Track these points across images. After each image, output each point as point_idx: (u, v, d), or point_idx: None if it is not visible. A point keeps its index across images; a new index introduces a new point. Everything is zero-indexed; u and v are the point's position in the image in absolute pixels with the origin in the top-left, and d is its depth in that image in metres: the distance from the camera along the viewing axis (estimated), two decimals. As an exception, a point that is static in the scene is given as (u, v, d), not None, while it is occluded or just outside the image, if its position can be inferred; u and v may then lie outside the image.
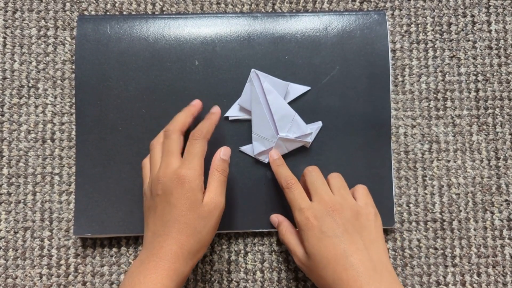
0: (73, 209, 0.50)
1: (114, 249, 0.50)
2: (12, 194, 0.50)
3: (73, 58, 0.52)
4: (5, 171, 0.51)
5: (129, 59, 0.50)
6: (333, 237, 0.40)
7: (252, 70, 0.49)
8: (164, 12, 0.54)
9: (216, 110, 0.46)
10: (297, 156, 0.50)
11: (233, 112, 0.50)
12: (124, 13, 0.54)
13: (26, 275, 0.49)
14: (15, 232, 0.50)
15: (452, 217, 0.51)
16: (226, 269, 0.50)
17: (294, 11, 0.54)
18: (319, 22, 0.51)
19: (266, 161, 0.49)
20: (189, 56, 0.50)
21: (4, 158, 0.51)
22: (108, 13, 0.54)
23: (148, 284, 0.38)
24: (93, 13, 0.53)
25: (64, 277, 0.50)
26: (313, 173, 0.45)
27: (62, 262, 0.50)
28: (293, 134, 0.48)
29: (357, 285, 0.38)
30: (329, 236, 0.40)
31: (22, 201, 0.50)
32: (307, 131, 0.49)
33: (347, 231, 0.41)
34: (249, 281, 0.50)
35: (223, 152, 0.44)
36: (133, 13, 0.54)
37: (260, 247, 0.51)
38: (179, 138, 0.43)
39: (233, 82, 0.50)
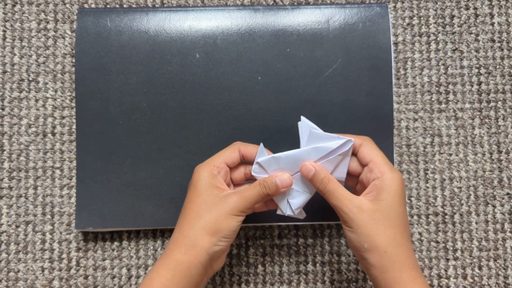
0: (75, 203, 0.50)
1: (116, 243, 0.50)
2: (13, 188, 0.50)
3: (73, 51, 0.52)
4: (6, 165, 0.51)
5: (129, 52, 0.50)
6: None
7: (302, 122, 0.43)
8: (165, 5, 0.53)
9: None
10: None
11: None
12: (125, 6, 0.53)
13: (28, 269, 0.49)
14: (17, 226, 0.50)
15: (453, 210, 0.51)
16: (228, 263, 0.50)
17: (295, 3, 0.54)
18: (321, 14, 0.51)
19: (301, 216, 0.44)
20: (190, 49, 0.50)
21: (5, 152, 0.51)
22: (108, 6, 0.53)
23: (149, 274, 0.38)
24: (93, 6, 0.53)
25: (66, 270, 0.50)
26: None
27: (64, 256, 0.50)
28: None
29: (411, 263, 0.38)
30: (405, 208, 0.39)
31: (24, 195, 0.50)
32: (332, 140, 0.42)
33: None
34: (251, 274, 0.50)
35: (280, 177, 0.40)
36: (134, 5, 0.53)
37: (262, 241, 0.51)
38: (230, 148, 0.42)
39: (234, 75, 0.50)
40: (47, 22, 0.53)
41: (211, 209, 0.39)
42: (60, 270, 0.50)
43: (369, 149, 0.40)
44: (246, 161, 0.43)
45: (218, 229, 0.38)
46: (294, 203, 0.42)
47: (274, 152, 0.42)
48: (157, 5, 0.53)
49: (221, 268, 0.50)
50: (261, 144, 0.42)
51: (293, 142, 0.48)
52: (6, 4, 0.53)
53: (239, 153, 0.42)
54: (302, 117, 0.42)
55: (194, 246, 0.38)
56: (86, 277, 0.50)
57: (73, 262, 0.50)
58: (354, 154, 0.42)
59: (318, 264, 0.50)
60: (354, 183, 0.43)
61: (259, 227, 0.51)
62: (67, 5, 0.53)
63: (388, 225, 0.37)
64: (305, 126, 0.42)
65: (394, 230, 0.37)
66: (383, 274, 0.37)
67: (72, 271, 0.50)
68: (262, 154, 0.41)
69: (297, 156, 0.41)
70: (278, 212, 0.42)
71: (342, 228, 0.51)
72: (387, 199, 0.38)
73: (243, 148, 0.42)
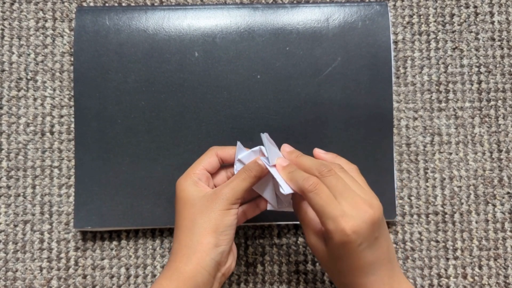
0: (73, 202, 0.50)
1: (115, 242, 0.50)
2: (11, 187, 0.50)
3: (72, 50, 0.52)
4: (4, 164, 0.50)
5: (128, 51, 0.49)
6: (366, 249, 0.36)
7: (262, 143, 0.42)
8: (164, 3, 0.53)
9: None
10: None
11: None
12: (123, 4, 0.53)
13: (26, 268, 0.49)
14: (15, 226, 0.50)
15: (453, 209, 0.51)
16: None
17: (295, 2, 0.53)
18: (320, 13, 0.51)
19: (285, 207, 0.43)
20: (188, 48, 0.50)
21: (3, 151, 0.51)
22: (107, 4, 0.53)
23: (153, 285, 0.37)
24: (91, 4, 0.53)
25: (64, 270, 0.49)
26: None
27: (62, 255, 0.50)
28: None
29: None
30: (362, 249, 0.36)
31: (22, 194, 0.50)
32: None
33: (377, 239, 0.36)
34: (250, 274, 0.50)
35: (262, 158, 0.40)
36: (132, 4, 0.53)
37: (261, 240, 0.50)
38: (208, 153, 0.42)
39: (233, 74, 0.49)
40: (46, 21, 0.52)
41: (203, 211, 0.38)
42: (58, 269, 0.49)
43: (311, 205, 0.37)
44: (226, 165, 0.43)
45: (214, 228, 0.37)
46: (282, 195, 0.41)
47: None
48: (155, 4, 0.53)
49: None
50: (238, 142, 0.42)
51: (293, 141, 0.48)
52: (4, 3, 0.52)
53: (217, 157, 0.42)
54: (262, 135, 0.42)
55: (195, 253, 0.37)
56: (84, 277, 0.49)
57: (72, 262, 0.50)
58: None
59: (317, 264, 0.50)
60: None
61: (258, 227, 0.51)
62: (66, 4, 0.53)
63: (340, 271, 0.38)
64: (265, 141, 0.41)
65: (348, 277, 0.37)
66: None
67: (71, 270, 0.49)
68: (241, 151, 0.42)
69: (275, 149, 0.42)
70: (269, 207, 0.42)
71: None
72: (334, 254, 0.37)
73: (220, 151, 0.42)
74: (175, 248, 0.38)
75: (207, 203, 0.38)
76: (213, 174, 0.42)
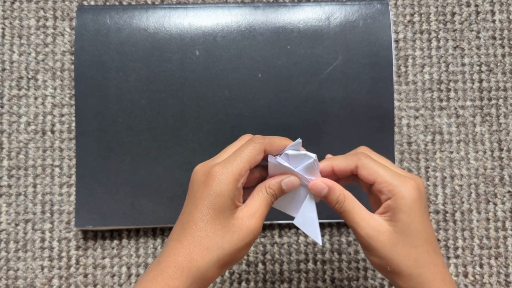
0: (74, 201, 0.50)
1: (116, 241, 0.50)
2: (12, 186, 0.50)
3: (73, 49, 0.52)
4: (5, 163, 0.50)
5: (129, 49, 0.49)
6: (427, 214, 0.36)
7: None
8: (165, 2, 0.53)
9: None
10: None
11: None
12: (124, 3, 0.53)
13: (27, 267, 0.49)
14: (16, 225, 0.50)
15: (454, 208, 0.51)
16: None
17: (296, 0, 0.53)
18: (322, 12, 0.51)
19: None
20: (189, 47, 0.50)
21: (4, 150, 0.50)
22: (107, 3, 0.53)
23: None
24: (92, 3, 0.53)
25: (66, 269, 0.49)
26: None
27: (64, 254, 0.50)
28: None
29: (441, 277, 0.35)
30: (427, 212, 0.36)
31: (23, 193, 0.50)
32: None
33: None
34: (251, 273, 0.50)
35: (287, 181, 0.36)
36: (133, 3, 0.53)
37: (262, 239, 0.50)
38: (256, 148, 0.35)
39: (234, 72, 0.49)
40: (46, 20, 0.52)
41: (230, 239, 0.33)
42: (59, 268, 0.49)
43: (367, 169, 0.35)
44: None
45: (233, 261, 0.34)
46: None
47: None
48: (156, 2, 0.53)
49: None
50: (299, 139, 0.36)
51: (294, 139, 0.48)
52: (5, 2, 0.52)
53: (264, 154, 0.35)
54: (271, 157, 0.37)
55: (202, 278, 0.32)
56: (85, 276, 0.49)
57: (73, 261, 0.50)
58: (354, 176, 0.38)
59: (318, 263, 0.50)
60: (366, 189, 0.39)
61: (260, 225, 0.51)
62: (66, 3, 0.53)
63: (410, 246, 0.34)
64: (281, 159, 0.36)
65: (416, 250, 0.34)
66: None
67: (72, 269, 0.50)
68: (296, 148, 0.36)
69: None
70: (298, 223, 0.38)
71: (343, 227, 0.51)
72: (404, 219, 0.34)
73: (269, 146, 0.35)
74: (180, 262, 0.32)
75: (235, 231, 0.33)
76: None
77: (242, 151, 0.34)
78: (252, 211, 0.34)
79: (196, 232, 0.33)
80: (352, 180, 0.39)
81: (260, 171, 0.38)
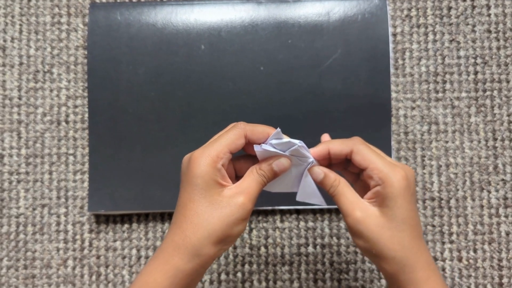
0: (87, 187, 0.53)
1: (126, 225, 0.53)
2: (30, 173, 0.53)
3: (86, 44, 0.55)
4: (23, 151, 0.54)
5: (138, 44, 0.52)
6: (415, 202, 0.37)
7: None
8: (172, -1, 0.56)
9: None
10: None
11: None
12: (134, 0, 0.56)
13: (44, 249, 0.53)
14: (34, 209, 0.53)
15: (449, 195, 0.53)
16: (232, 246, 0.53)
17: (297, -4, 0.56)
18: (321, 7, 0.53)
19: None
20: (195, 41, 0.52)
21: (22, 139, 0.54)
22: (118, 0, 0.56)
23: (143, 277, 0.35)
24: (104, 0, 0.56)
25: (80, 251, 0.53)
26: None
27: (77, 237, 0.53)
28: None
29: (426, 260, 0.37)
30: (415, 200, 0.37)
31: (40, 180, 0.53)
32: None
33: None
34: (254, 256, 0.53)
35: (277, 163, 0.37)
36: (142, 0, 0.56)
37: (264, 224, 0.53)
38: (236, 133, 0.37)
39: (238, 65, 0.52)
40: (61, 16, 0.55)
41: (219, 215, 0.35)
42: (74, 250, 0.53)
43: (361, 155, 0.37)
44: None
45: (227, 237, 0.35)
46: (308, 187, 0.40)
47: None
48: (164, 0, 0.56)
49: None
50: (279, 129, 0.37)
51: (294, 130, 0.50)
52: (22, 0, 0.55)
53: (245, 139, 0.37)
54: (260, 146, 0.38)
55: (199, 255, 0.34)
56: (98, 257, 0.53)
57: (86, 243, 0.53)
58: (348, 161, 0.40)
59: (318, 247, 0.53)
60: (353, 179, 0.41)
61: (262, 211, 0.53)
62: (80, 0, 0.56)
63: (395, 230, 0.36)
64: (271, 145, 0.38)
65: (402, 234, 0.36)
66: (395, 276, 0.36)
67: (85, 251, 0.53)
68: (277, 137, 0.38)
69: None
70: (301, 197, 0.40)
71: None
72: (392, 205, 0.35)
73: (250, 132, 0.37)
74: (177, 241, 0.35)
75: (224, 206, 0.35)
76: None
77: (222, 137, 0.36)
78: (241, 189, 0.36)
79: (187, 212, 0.35)
80: (340, 168, 0.41)
81: (252, 160, 0.39)
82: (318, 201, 0.40)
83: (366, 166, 0.37)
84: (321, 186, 0.39)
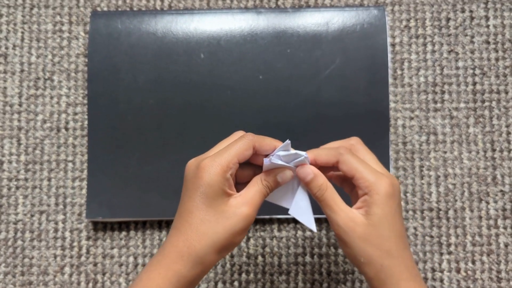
0: (85, 194, 0.53)
1: (124, 233, 0.53)
2: (29, 180, 0.54)
3: (86, 51, 0.55)
4: (22, 158, 0.54)
5: (138, 52, 0.53)
6: (400, 212, 0.38)
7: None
8: (172, 8, 0.56)
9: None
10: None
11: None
12: (134, 9, 0.56)
13: (41, 256, 0.53)
14: (32, 215, 0.53)
15: (448, 206, 0.53)
16: (229, 254, 0.53)
17: (296, 6, 0.56)
18: (320, 17, 0.53)
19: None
20: (195, 50, 0.53)
21: (21, 146, 0.54)
22: (119, 9, 0.56)
23: (143, 282, 0.35)
24: (105, 9, 0.56)
25: (77, 258, 0.53)
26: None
27: (75, 244, 0.53)
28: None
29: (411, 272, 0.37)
30: (400, 210, 0.38)
31: (38, 186, 0.54)
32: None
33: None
34: (251, 265, 0.52)
35: (282, 175, 0.38)
36: (143, 9, 0.56)
37: (262, 233, 0.53)
38: (245, 144, 0.37)
39: (237, 74, 0.52)
40: (62, 24, 0.56)
41: (224, 224, 0.35)
42: (71, 257, 0.53)
43: (347, 164, 0.37)
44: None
45: (229, 246, 0.36)
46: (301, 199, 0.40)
47: None
48: (164, 8, 0.56)
49: (222, 258, 0.52)
50: (288, 141, 0.38)
51: (292, 139, 0.50)
52: (24, 8, 0.56)
53: (253, 150, 0.37)
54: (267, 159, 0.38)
55: (202, 263, 0.35)
56: (95, 264, 0.53)
57: (84, 250, 0.53)
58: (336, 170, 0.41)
59: (315, 256, 0.53)
60: (350, 189, 0.41)
61: (259, 220, 0.53)
62: (81, 8, 0.56)
63: (381, 239, 0.36)
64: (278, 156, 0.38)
65: (389, 243, 0.36)
66: (381, 286, 0.36)
67: (83, 258, 0.53)
68: (286, 148, 0.38)
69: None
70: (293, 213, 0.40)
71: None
72: (378, 213, 0.36)
73: (258, 144, 0.37)
74: (180, 248, 0.35)
75: (229, 217, 0.35)
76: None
77: (232, 146, 0.37)
78: (246, 199, 0.36)
79: (193, 219, 0.35)
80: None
81: (254, 168, 0.40)
82: (309, 222, 0.40)
83: (352, 176, 0.37)
84: (308, 188, 0.39)
